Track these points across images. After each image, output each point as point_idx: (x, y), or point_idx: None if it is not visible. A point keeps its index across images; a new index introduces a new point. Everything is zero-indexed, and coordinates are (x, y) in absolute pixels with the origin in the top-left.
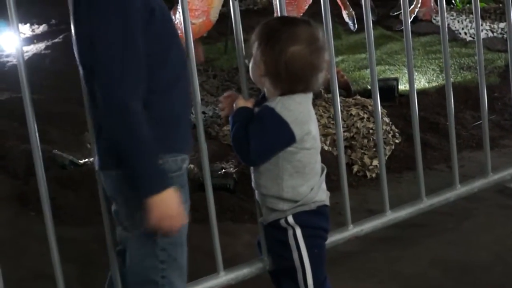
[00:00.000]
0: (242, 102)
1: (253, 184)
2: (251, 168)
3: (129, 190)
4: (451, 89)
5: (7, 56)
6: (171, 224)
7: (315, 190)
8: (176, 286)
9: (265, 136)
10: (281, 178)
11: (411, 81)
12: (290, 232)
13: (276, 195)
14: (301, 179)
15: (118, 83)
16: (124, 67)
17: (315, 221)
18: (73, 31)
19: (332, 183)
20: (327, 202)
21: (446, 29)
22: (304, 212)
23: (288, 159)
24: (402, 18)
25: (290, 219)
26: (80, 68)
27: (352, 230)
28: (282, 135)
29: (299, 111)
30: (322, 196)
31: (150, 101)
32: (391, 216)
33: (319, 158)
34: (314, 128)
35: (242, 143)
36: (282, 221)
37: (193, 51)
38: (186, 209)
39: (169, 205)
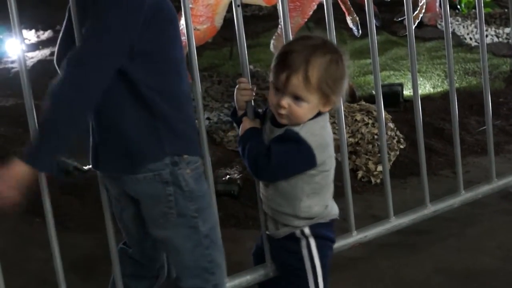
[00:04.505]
0: (249, 123)
1: (262, 197)
2: (261, 183)
3: (161, 190)
4: (455, 95)
5: (12, 62)
6: None
7: (329, 206)
8: (221, 267)
9: (288, 159)
10: (299, 199)
11: (414, 87)
12: (304, 243)
13: (291, 214)
14: (317, 199)
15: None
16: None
17: (328, 233)
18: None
19: (337, 189)
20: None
21: (450, 34)
22: (319, 224)
23: (307, 181)
24: (406, 24)
25: (307, 230)
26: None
27: (356, 237)
28: (305, 160)
29: (322, 136)
30: (336, 209)
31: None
32: (395, 222)
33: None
34: (332, 148)
35: (261, 161)
36: (298, 232)
37: (196, 57)
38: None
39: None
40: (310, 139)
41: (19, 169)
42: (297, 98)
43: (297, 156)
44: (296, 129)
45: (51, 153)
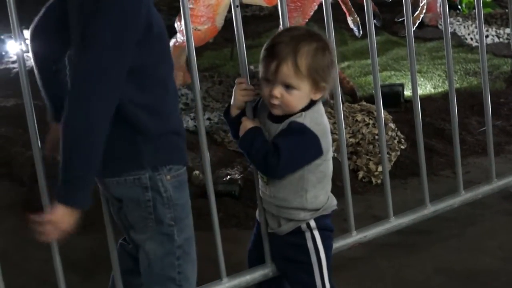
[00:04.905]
0: (250, 123)
1: (263, 195)
2: (260, 182)
3: (141, 194)
4: (455, 95)
5: (14, 62)
6: (52, 233)
7: (331, 196)
8: (190, 280)
9: (297, 150)
10: (305, 190)
11: (414, 87)
12: (308, 235)
13: (298, 207)
14: (321, 188)
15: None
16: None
17: (330, 223)
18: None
19: (338, 189)
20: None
21: (449, 34)
22: (323, 216)
23: (312, 171)
24: (405, 24)
25: (312, 222)
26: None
27: (356, 237)
28: (313, 150)
29: (324, 124)
30: (335, 200)
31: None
32: (394, 222)
33: None
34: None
35: (270, 159)
36: (304, 226)
37: (195, 58)
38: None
39: (67, 221)
40: (315, 128)
41: (62, 213)
42: (288, 86)
43: (306, 147)
44: (300, 119)
45: (85, 187)
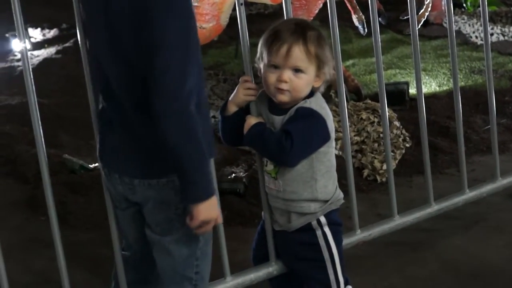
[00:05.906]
0: (255, 119)
1: (270, 191)
2: (267, 178)
3: (172, 196)
4: (459, 93)
5: (19, 60)
6: (211, 226)
7: (338, 188)
8: (205, 280)
9: (308, 133)
10: (315, 179)
11: (418, 85)
12: (319, 233)
13: (308, 198)
14: (329, 177)
15: (180, 90)
16: (187, 73)
17: (339, 219)
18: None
19: (342, 188)
20: None
21: (454, 33)
22: (332, 211)
23: (320, 159)
24: (410, 22)
25: (323, 219)
26: (123, 76)
27: (360, 235)
28: (322, 133)
29: (327, 109)
30: (342, 193)
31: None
32: (399, 220)
33: None
34: None
35: (284, 145)
36: (314, 223)
37: None
38: None
39: (213, 210)
40: (321, 111)
41: (204, 209)
42: (297, 70)
43: (316, 130)
44: (307, 105)
45: (208, 177)
